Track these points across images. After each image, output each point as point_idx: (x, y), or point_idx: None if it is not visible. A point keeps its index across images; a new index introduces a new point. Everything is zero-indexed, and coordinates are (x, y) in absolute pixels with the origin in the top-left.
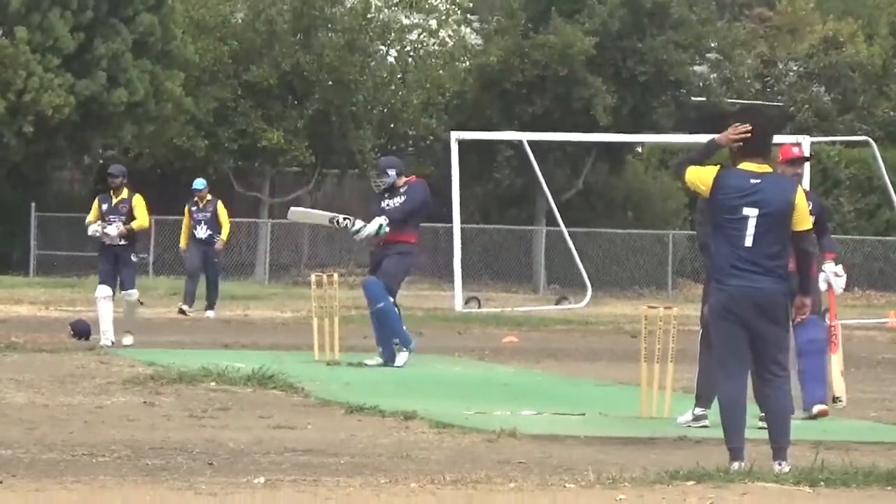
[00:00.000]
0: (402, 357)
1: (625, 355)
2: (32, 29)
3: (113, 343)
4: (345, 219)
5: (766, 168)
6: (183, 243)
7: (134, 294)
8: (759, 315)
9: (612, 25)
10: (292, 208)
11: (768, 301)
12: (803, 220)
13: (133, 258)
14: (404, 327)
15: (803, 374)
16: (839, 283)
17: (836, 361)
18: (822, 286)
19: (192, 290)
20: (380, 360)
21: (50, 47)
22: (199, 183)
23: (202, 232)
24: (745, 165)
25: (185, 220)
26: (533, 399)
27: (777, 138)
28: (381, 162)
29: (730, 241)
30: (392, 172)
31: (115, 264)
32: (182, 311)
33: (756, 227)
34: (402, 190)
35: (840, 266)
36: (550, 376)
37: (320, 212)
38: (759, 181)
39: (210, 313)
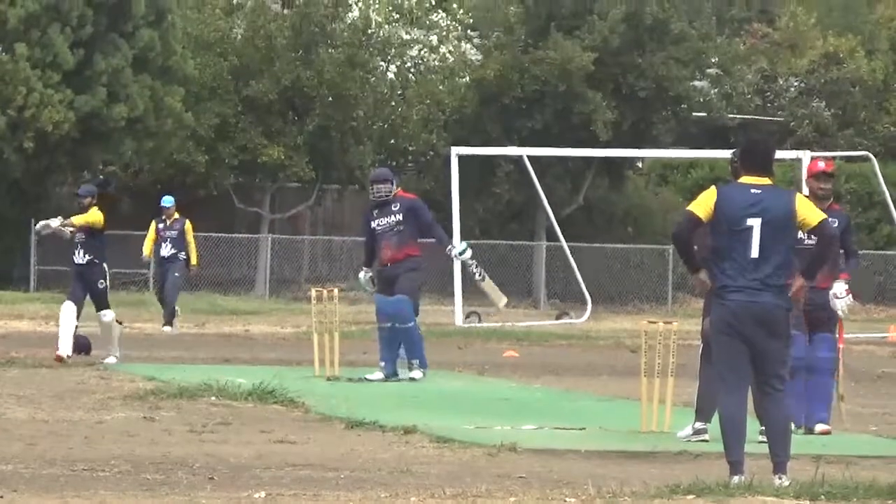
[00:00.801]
0: (417, 373)
1: (625, 370)
2: (32, 45)
3: (68, 357)
4: (481, 274)
5: (767, 181)
6: (147, 251)
7: (107, 315)
8: (760, 330)
9: (612, 41)
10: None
11: (769, 316)
12: (812, 215)
13: (100, 284)
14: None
15: (810, 391)
16: (839, 305)
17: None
18: (836, 309)
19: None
20: (381, 375)
21: (50, 63)
22: (168, 200)
23: (166, 250)
24: (746, 179)
25: (151, 232)
26: (533, 414)
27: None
28: (382, 173)
29: (734, 254)
30: (395, 182)
31: (84, 286)
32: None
33: (761, 237)
34: (394, 207)
35: (845, 286)
36: (551, 391)
37: (489, 284)
38: (759, 192)
39: (167, 329)
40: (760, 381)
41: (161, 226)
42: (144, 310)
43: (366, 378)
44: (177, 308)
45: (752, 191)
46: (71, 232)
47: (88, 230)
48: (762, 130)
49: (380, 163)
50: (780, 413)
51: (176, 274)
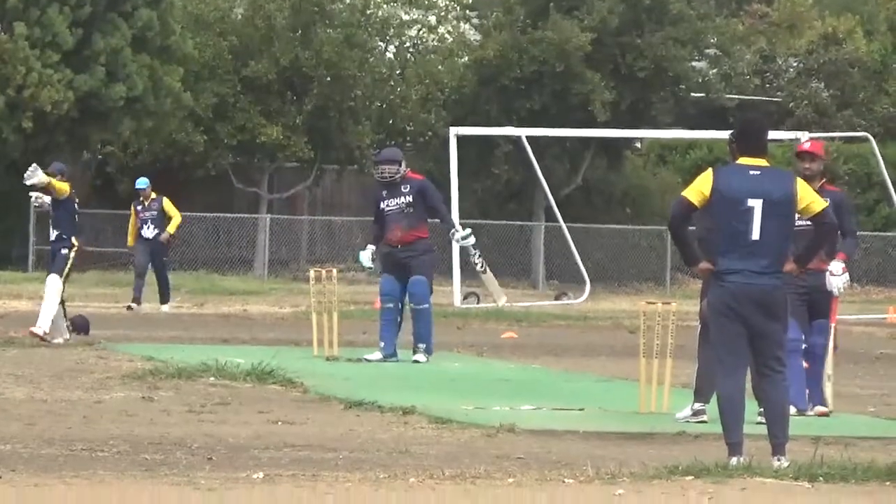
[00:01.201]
0: (422, 356)
1: (623, 351)
2: (31, 24)
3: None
4: (482, 266)
5: (764, 162)
6: (130, 241)
7: (52, 281)
8: (759, 311)
9: (610, 21)
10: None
11: (768, 297)
12: (815, 202)
13: (62, 251)
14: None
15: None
16: (834, 283)
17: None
18: (832, 287)
19: (140, 287)
20: (380, 356)
21: (49, 43)
22: (142, 182)
23: (149, 231)
24: (744, 161)
25: (132, 218)
26: (532, 394)
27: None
28: (390, 154)
29: (734, 236)
30: (403, 163)
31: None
32: (129, 308)
33: (762, 218)
34: (404, 188)
35: (842, 265)
36: (549, 372)
37: (492, 280)
38: (758, 173)
39: (165, 307)
40: (759, 363)
41: (139, 207)
42: (145, 289)
43: (365, 358)
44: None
45: (752, 172)
46: (39, 196)
47: (55, 203)
48: (755, 110)
49: (378, 143)
50: (778, 395)
51: (164, 258)
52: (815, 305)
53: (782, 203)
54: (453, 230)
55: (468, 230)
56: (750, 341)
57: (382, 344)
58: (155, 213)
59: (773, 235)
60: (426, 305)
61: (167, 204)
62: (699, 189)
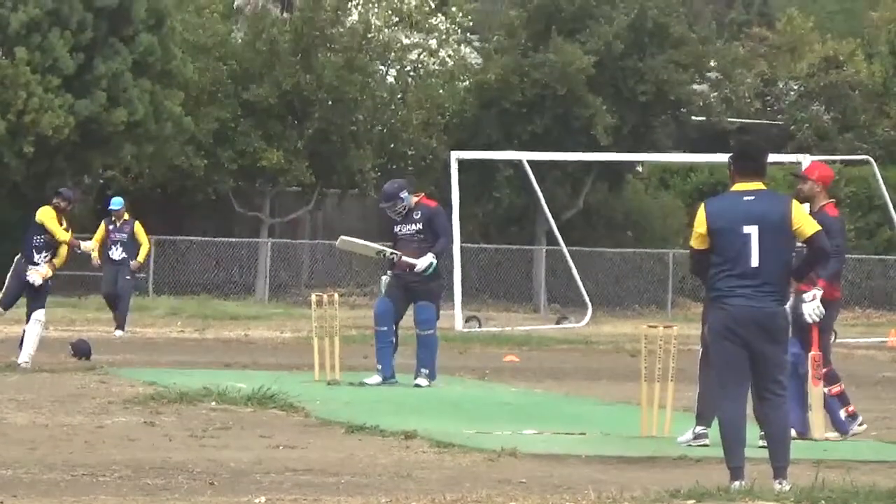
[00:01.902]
0: (423, 381)
1: (625, 374)
2: (32, 49)
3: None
4: (392, 253)
5: (760, 186)
6: (95, 255)
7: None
8: (761, 335)
9: (613, 45)
10: (342, 237)
11: (769, 321)
12: (807, 226)
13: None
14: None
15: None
16: (805, 310)
17: (818, 394)
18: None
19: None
20: (379, 379)
21: (50, 67)
22: (116, 202)
23: (117, 254)
24: (739, 186)
25: (100, 232)
26: (533, 418)
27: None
28: (387, 191)
29: (734, 261)
30: (405, 195)
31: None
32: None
33: (760, 243)
34: (416, 215)
35: (813, 293)
36: (551, 396)
37: (369, 243)
38: (752, 198)
39: (118, 333)
40: (760, 386)
41: (111, 227)
42: (147, 314)
43: (364, 382)
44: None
45: (745, 198)
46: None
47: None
48: (754, 134)
49: (380, 167)
50: (779, 418)
51: (127, 277)
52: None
53: (778, 226)
54: (435, 256)
55: (431, 267)
56: (751, 364)
57: (380, 367)
58: (126, 235)
59: (773, 260)
60: (432, 332)
61: (138, 228)
62: (696, 231)
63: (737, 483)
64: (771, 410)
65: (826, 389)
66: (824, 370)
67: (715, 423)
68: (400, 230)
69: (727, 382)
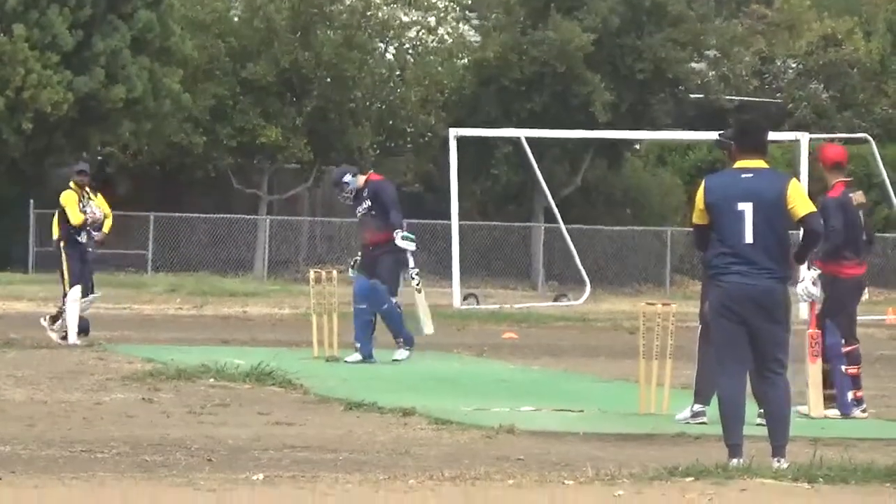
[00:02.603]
0: (401, 353)
1: (623, 352)
2: (31, 26)
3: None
4: (417, 282)
5: (761, 164)
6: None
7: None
8: (758, 312)
9: (611, 22)
10: (426, 331)
11: (767, 298)
12: (800, 206)
13: None
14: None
15: None
16: (798, 289)
17: (816, 371)
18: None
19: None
20: (359, 357)
21: (48, 44)
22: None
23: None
24: (740, 163)
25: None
26: (531, 395)
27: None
28: (335, 175)
29: (729, 238)
30: (348, 178)
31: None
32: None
33: (754, 222)
34: (364, 193)
35: (812, 273)
36: (549, 373)
37: (422, 303)
38: (751, 175)
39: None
40: (759, 364)
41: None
42: (145, 290)
43: (345, 361)
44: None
45: (744, 175)
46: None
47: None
48: (754, 111)
49: (378, 144)
50: (779, 397)
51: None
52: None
53: (773, 204)
54: (398, 230)
55: (411, 236)
56: (750, 342)
57: (358, 345)
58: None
59: (768, 237)
60: (385, 307)
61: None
62: (696, 206)
63: (735, 460)
64: (770, 389)
65: (843, 367)
66: (849, 348)
67: (713, 400)
68: (357, 210)
69: (725, 360)
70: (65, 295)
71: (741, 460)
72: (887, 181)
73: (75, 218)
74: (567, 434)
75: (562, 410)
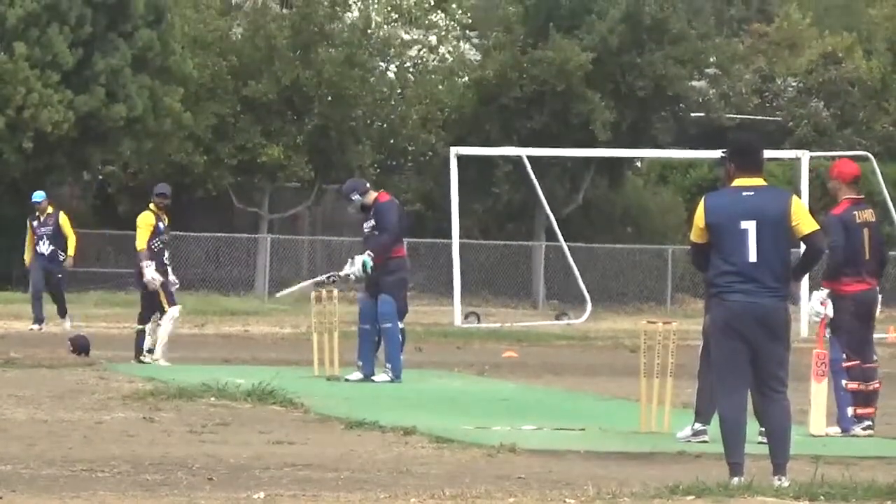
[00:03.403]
0: (383, 377)
1: (624, 370)
2: (31, 44)
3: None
4: (329, 276)
5: (760, 181)
6: (28, 258)
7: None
8: (760, 331)
9: (611, 41)
10: (278, 294)
11: (769, 317)
12: (804, 224)
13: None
14: (401, 356)
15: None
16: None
17: (821, 391)
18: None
19: (39, 307)
20: (360, 375)
21: (49, 63)
22: (38, 195)
23: (44, 247)
24: (739, 182)
25: (29, 235)
26: (533, 414)
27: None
28: (343, 188)
29: (732, 257)
30: (355, 196)
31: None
32: (32, 330)
33: (758, 240)
34: (371, 212)
35: (821, 294)
36: (550, 391)
37: (305, 282)
38: (752, 193)
39: (66, 323)
40: (760, 382)
41: (35, 223)
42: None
43: (346, 379)
44: (69, 314)
45: (745, 193)
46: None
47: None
48: (755, 130)
49: (379, 162)
50: (779, 415)
51: (59, 275)
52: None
53: (777, 222)
54: (370, 252)
55: (348, 268)
56: (751, 361)
57: (360, 363)
58: (51, 228)
59: (772, 255)
60: (390, 325)
61: (63, 220)
62: (696, 225)
63: (736, 479)
64: (771, 407)
65: (844, 382)
66: (850, 364)
67: (714, 419)
68: (364, 228)
69: (727, 378)
70: (141, 313)
71: (742, 479)
72: (888, 199)
73: (140, 243)
74: (568, 452)
75: (563, 429)
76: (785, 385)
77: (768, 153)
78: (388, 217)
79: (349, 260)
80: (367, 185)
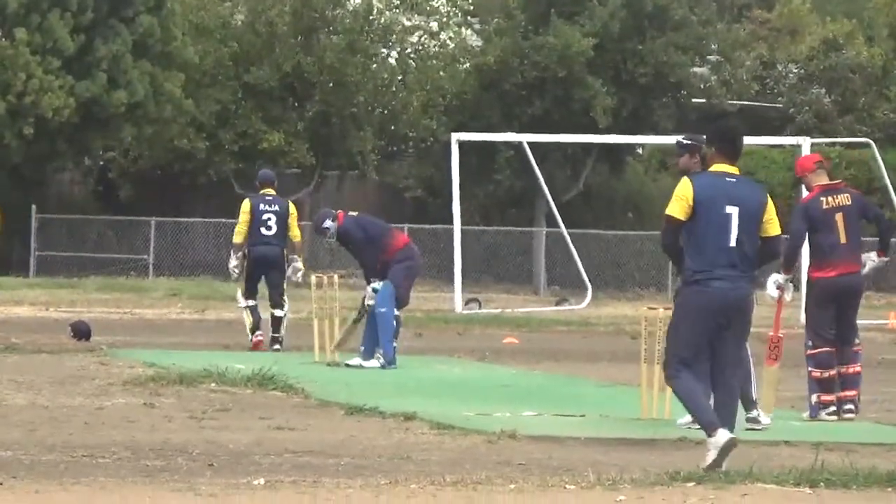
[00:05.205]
0: (373, 362)
1: (625, 356)
2: (32, 30)
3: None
4: (359, 313)
5: (736, 171)
6: None
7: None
8: (737, 316)
9: (612, 27)
10: (332, 347)
11: (744, 303)
12: (773, 225)
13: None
14: (394, 345)
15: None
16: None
17: (772, 374)
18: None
19: None
20: (359, 361)
21: (50, 49)
22: None
23: None
24: (719, 167)
25: None
26: (533, 400)
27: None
28: (315, 223)
29: (713, 241)
30: (328, 224)
31: None
32: None
33: (739, 226)
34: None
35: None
36: (551, 377)
37: (346, 326)
38: (734, 181)
39: None
40: (719, 362)
41: None
42: (147, 295)
43: (346, 364)
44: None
45: (728, 179)
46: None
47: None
48: (733, 117)
49: (380, 149)
50: (734, 388)
51: None
52: None
53: (755, 213)
54: (369, 283)
55: (376, 291)
56: (713, 342)
57: (362, 349)
58: None
59: (746, 242)
60: (384, 310)
61: None
62: (682, 200)
63: (720, 431)
64: (731, 381)
65: (809, 370)
66: (814, 352)
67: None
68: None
69: (688, 358)
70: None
71: (723, 430)
72: (889, 185)
73: (237, 234)
74: (568, 439)
75: (563, 415)
76: (738, 366)
77: (769, 140)
78: (351, 237)
79: (368, 290)
80: (333, 211)
